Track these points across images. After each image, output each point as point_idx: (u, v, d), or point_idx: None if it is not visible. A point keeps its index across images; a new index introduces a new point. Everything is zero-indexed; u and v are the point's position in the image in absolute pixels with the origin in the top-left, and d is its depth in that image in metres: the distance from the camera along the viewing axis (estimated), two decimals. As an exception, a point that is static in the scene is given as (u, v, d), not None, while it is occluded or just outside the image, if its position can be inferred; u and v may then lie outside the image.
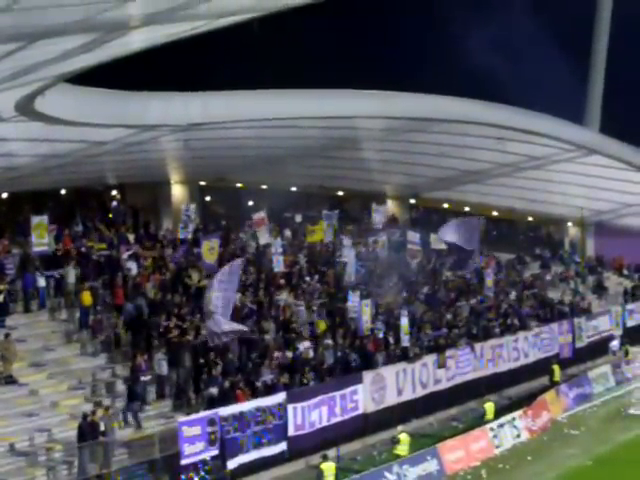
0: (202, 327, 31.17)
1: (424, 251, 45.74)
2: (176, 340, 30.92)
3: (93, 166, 35.00)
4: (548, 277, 53.82)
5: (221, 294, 29.21)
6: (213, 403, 28.50)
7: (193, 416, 27.09)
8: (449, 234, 40.22)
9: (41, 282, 32.02)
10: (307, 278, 39.72)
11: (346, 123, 36.03)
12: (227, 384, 29.38)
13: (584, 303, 50.56)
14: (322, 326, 35.64)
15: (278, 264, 36.69)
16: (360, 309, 35.48)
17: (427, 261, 47.16)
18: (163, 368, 29.85)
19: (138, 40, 21.42)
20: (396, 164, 45.70)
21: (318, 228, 39.95)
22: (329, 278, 40.61)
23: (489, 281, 43.44)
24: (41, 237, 29.85)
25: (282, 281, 37.84)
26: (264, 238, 37.30)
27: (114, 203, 43.03)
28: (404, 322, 36.04)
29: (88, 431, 25.35)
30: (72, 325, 31.79)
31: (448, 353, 37.27)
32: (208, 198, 47.75)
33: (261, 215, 36.85)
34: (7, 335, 28.49)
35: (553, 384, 39.28)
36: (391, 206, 54.50)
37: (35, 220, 29.64)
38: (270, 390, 30.17)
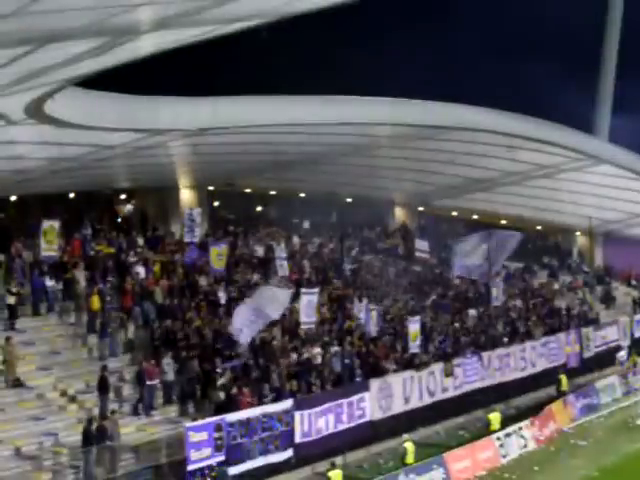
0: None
1: (432, 259, 45.71)
2: (183, 345, 30.93)
3: (102, 170, 34.98)
4: (556, 286, 53.65)
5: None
6: (220, 409, 28.43)
7: (200, 421, 27.04)
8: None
9: (50, 285, 31.98)
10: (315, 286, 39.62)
11: (356, 130, 35.93)
12: (234, 390, 29.30)
13: (592, 313, 50.39)
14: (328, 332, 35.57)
15: (282, 268, 36.72)
16: (368, 313, 35.37)
17: (435, 269, 47.08)
18: (170, 373, 29.80)
19: (148, 44, 21.39)
20: (405, 171, 45.59)
21: None
22: (336, 285, 40.49)
23: (495, 290, 43.09)
24: (50, 242, 29.73)
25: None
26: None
27: (128, 207, 43.05)
28: (413, 329, 35.88)
29: (94, 435, 25.30)
30: (80, 329, 31.78)
31: (455, 362, 37.17)
32: (217, 203, 47.67)
33: None
34: (8, 339, 28.18)
35: (560, 394, 39.14)
36: (400, 213, 54.43)
37: (45, 225, 29.45)
38: (277, 396, 30.10)
